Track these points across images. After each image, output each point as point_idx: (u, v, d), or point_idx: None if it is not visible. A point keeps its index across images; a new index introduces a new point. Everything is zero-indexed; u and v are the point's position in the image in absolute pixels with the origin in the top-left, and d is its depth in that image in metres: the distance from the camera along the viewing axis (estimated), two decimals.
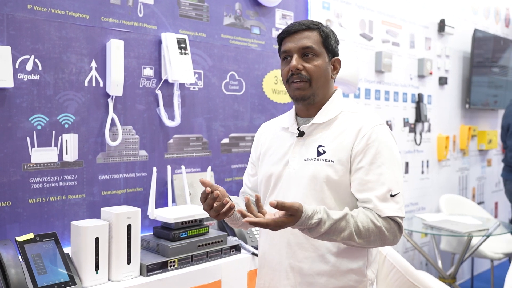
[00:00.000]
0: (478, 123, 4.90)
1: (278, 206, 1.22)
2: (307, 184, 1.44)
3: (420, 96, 3.97)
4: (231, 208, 1.36)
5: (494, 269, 3.97)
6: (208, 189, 1.34)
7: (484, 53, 4.64)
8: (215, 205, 1.36)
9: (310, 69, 1.46)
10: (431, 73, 4.06)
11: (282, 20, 2.81)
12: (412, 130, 3.95)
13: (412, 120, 3.95)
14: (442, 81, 4.25)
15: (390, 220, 1.39)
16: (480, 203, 4.94)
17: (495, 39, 4.81)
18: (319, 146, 1.46)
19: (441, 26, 4.17)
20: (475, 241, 3.57)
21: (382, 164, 1.40)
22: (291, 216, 1.25)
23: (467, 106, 4.58)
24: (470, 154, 4.80)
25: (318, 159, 1.45)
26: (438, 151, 4.26)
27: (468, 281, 4.51)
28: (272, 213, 1.27)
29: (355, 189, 1.42)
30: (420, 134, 4.02)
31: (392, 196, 1.38)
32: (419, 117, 3.95)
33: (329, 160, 1.43)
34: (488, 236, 3.29)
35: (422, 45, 4.03)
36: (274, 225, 1.25)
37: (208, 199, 1.35)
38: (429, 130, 4.16)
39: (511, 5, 5.35)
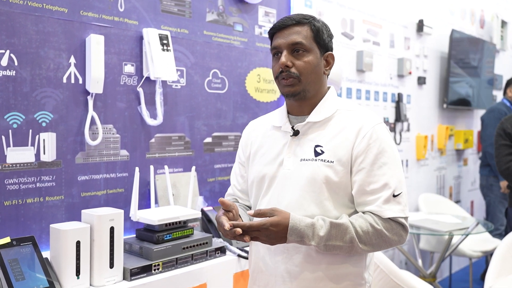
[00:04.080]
0: (455, 123, 4.96)
1: (255, 214, 1.32)
2: (304, 185, 1.39)
3: (400, 96, 3.99)
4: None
5: (471, 267, 4.02)
6: (227, 226, 1.29)
7: (460, 54, 4.69)
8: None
9: (299, 66, 1.41)
10: (410, 73, 4.07)
11: (265, 18, 2.77)
12: (392, 129, 3.96)
13: (392, 119, 3.96)
14: (421, 80, 4.28)
15: (392, 221, 1.36)
16: (457, 201, 5.00)
17: (471, 39, 4.87)
18: (317, 146, 1.41)
19: (420, 26, 4.20)
20: (454, 239, 3.60)
21: (383, 165, 1.36)
22: (274, 216, 1.29)
23: (444, 105, 4.63)
24: (447, 153, 4.85)
25: (316, 160, 1.40)
26: (417, 151, 4.29)
27: (446, 279, 4.55)
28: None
29: (356, 191, 1.38)
30: (400, 134, 4.03)
31: (394, 196, 1.35)
32: (399, 116, 3.96)
33: (328, 161, 1.39)
34: (467, 235, 3.32)
35: (402, 44, 4.04)
36: (257, 228, 1.28)
37: (229, 231, 1.30)
38: (408, 130, 4.18)
39: (486, 6, 5.44)
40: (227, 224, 1.28)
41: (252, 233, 1.29)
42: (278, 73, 1.44)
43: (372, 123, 1.41)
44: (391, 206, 1.35)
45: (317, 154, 1.40)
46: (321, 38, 1.45)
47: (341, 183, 1.38)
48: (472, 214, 5.28)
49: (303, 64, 1.41)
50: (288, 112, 1.52)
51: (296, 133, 1.45)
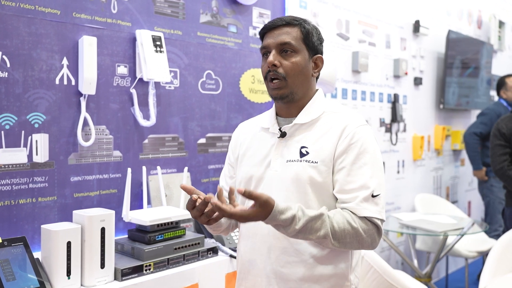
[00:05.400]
0: (451, 123, 4.96)
1: (246, 193, 1.20)
2: (290, 186, 1.41)
3: (396, 96, 3.99)
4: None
5: (468, 267, 4.02)
6: (195, 196, 1.29)
7: (457, 54, 4.70)
8: (206, 210, 1.29)
9: (287, 66, 1.42)
10: (406, 74, 4.08)
11: (259, 19, 2.78)
12: (388, 130, 3.97)
13: (388, 120, 3.97)
14: (417, 81, 4.28)
15: (368, 221, 1.36)
16: (454, 202, 5.00)
17: (468, 40, 4.87)
18: (302, 147, 1.43)
19: (416, 26, 4.21)
20: (450, 240, 3.60)
21: (364, 165, 1.37)
22: (260, 208, 1.22)
23: (441, 106, 4.63)
24: (444, 154, 4.85)
25: (301, 160, 1.41)
26: (414, 151, 4.29)
27: (443, 280, 4.55)
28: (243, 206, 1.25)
29: (336, 190, 1.39)
30: (396, 134, 4.04)
31: (373, 196, 1.36)
32: (395, 117, 3.97)
33: (312, 161, 1.40)
34: (462, 235, 3.32)
35: (398, 45, 4.05)
36: (241, 216, 1.22)
37: (199, 204, 1.29)
38: (404, 130, 4.19)
39: (483, 7, 5.44)
40: (195, 196, 1.27)
41: (232, 216, 1.23)
42: (266, 73, 1.45)
43: (355, 124, 1.42)
44: (368, 205, 1.35)
45: (302, 155, 1.41)
46: (311, 41, 1.46)
47: (325, 184, 1.39)
48: (469, 215, 5.29)
49: (290, 65, 1.42)
50: (277, 114, 1.53)
51: (283, 134, 1.46)
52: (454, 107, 4.77)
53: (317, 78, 1.53)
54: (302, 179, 1.39)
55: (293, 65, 1.43)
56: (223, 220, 1.49)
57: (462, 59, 4.78)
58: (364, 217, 1.35)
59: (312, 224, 1.29)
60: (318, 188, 1.39)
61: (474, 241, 4.03)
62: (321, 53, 1.52)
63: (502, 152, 3.24)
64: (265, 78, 1.46)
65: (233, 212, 1.21)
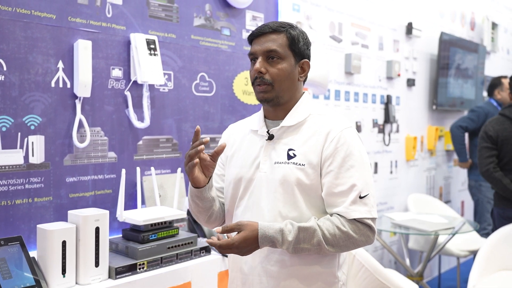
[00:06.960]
0: (444, 124, 5.02)
1: (223, 231, 1.37)
2: (278, 187, 1.46)
3: (389, 98, 4.04)
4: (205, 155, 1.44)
5: (460, 267, 4.07)
6: (202, 147, 1.39)
7: (450, 56, 4.75)
8: (195, 160, 1.40)
9: (273, 73, 1.47)
10: (399, 75, 4.13)
11: (252, 22, 2.82)
12: (381, 130, 4.02)
13: (381, 121, 4.02)
14: (410, 82, 4.33)
15: (359, 222, 1.41)
16: (447, 202, 5.06)
17: (461, 42, 4.93)
18: (289, 149, 1.47)
19: (409, 28, 4.26)
20: (442, 239, 3.66)
21: (351, 167, 1.42)
22: (243, 231, 1.36)
23: (434, 107, 4.69)
24: (437, 154, 4.91)
25: (288, 163, 1.46)
26: (406, 152, 4.35)
27: (435, 279, 4.61)
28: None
29: (325, 193, 1.44)
30: (389, 135, 4.09)
31: (361, 198, 1.41)
32: (388, 118, 4.02)
33: (299, 164, 1.45)
34: (454, 234, 3.38)
35: (391, 47, 4.10)
36: (227, 247, 1.36)
37: (195, 151, 1.40)
38: (397, 131, 4.24)
39: (477, 8, 5.50)
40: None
41: (224, 251, 1.37)
42: (254, 78, 1.50)
43: (340, 127, 1.47)
44: (357, 207, 1.40)
45: (289, 157, 1.46)
46: (297, 46, 1.51)
47: (312, 186, 1.44)
48: (462, 215, 5.34)
49: (276, 71, 1.47)
50: (265, 117, 1.58)
51: (271, 137, 1.51)
52: (447, 108, 4.82)
53: (304, 81, 1.58)
54: (290, 181, 1.44)
55: (279, 71, 1.48)
56: (212, 184, 1.55)
57: (455, 60, 4.83)
58: (354, 219, 1.41)
59: (304, 234, 1.37)
60: (306, 190, 1.44)
61: (466, 240, 4.08)
62: (308, 57, 1.56)
63: (489, 154, 3.31)
64: (253, 83, 1.51)
65: (219, 244, 1.37)
